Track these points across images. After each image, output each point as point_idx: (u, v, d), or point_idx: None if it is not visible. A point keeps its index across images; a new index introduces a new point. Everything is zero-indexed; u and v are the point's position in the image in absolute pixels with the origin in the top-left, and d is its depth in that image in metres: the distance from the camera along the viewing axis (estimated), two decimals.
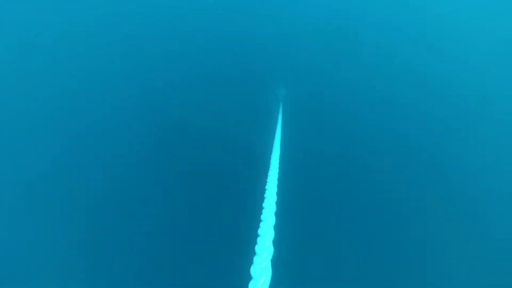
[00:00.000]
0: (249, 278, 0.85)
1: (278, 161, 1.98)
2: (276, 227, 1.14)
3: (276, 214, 1.22)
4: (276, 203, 1.33)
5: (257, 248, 0.99)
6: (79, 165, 4.26)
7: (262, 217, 1.19)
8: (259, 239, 1.04)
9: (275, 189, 1.47)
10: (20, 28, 5.74)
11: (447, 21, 7.01)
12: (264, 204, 1.27)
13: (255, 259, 0.92)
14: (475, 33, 6.76)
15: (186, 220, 3.78)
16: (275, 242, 1.03)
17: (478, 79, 5.96)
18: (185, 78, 5.65)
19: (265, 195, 1.38)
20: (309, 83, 5.81)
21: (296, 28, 6.79)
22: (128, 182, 4.15)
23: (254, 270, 0.87)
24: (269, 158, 2.23)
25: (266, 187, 1.50)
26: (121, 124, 4.88)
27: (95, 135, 4.63)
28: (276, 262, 0.96)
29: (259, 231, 1.09)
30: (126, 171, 4.29)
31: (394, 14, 7.30)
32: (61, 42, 5.77)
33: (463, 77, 5.98)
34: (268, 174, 1.69)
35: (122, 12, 6.60)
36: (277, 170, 1.78)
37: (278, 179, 1.69)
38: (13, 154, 4.27)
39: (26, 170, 4.15)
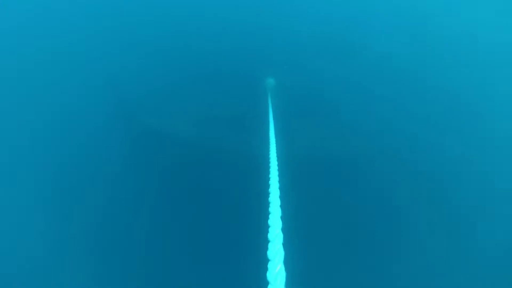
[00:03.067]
0: (266, 283, 0.92)
1: (276, 161, 2.05)
2: (284, 230, 1.21)
3: (282, 218, 1.29)
4: (281, 206, 1.40)
5: (269, 253, 1.06)
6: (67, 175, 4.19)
7: (269, 222, 1.26)
8: (270, 244, 1.11)
9: (278, 192, 1.54)
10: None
11: (447, 23, 6.94)
12: (270, 209, 1.34)
13: (270, 265, 0.99)
14: (475, 35, 6.65)
15: (186, 230, 3.76)
16: (285, 246, 1.11)
17: (479, 82, 5.90)
18: (168, 73, 5.52)
19: (270, 199, 1.46)
20: (298, 73, 5.80)
21: (284, 17, 6.68)
22: (128, 191, 4.12)
23: (270, 275, 0.95)
24: (265, 156, 2.29)
25: (269, 190, 1.57)
26: (104, 125, 4.78)
27: (77, 142, 4.54)
28: (288, 265, 1.04)
29: (269, 236, 1.17)
30: (123, 176, 4.27)
31: (386, 8, 7.25)
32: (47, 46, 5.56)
33: (461, 79, 5.90)
34: (270, 176, 1.76)
35: (106, 10, 6.37)
36: (277, 171, 1.85)
37: (279, 179, 1.76)
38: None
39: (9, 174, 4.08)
